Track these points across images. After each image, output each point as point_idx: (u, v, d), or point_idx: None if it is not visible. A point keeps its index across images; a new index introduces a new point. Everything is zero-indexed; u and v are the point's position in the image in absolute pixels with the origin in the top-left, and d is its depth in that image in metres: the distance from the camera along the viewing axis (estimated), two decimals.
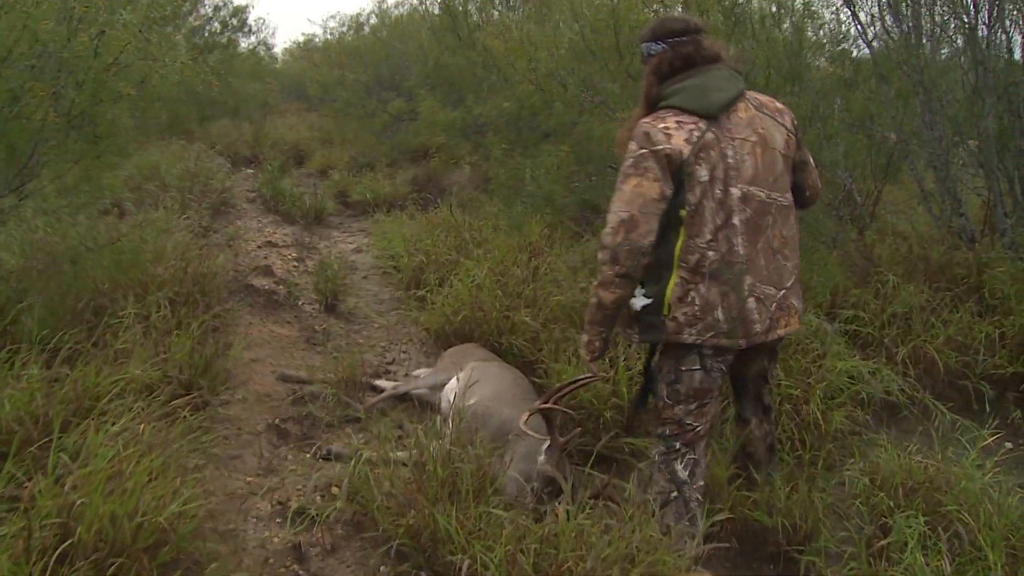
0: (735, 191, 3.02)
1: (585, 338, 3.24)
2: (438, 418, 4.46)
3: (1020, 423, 4.76)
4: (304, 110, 18.92)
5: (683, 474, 3.27)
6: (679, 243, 3.00)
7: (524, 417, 3.74)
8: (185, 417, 3.71)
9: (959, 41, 5.79)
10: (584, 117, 6.06)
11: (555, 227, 6.94)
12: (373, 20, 16.85)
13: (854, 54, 6.75)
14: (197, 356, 4.18)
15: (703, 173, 2.98)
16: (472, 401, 4.43)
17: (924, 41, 5.88)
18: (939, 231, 6.37)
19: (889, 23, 5.90)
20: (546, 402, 3.78)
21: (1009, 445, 4.71)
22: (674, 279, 3.02)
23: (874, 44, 6.16)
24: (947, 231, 6.21)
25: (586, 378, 3.72)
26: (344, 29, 18.57)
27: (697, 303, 3.02)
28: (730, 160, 3.02)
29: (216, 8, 12.92)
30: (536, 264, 5.94)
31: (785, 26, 6.50)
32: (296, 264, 7.70)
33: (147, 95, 4.15)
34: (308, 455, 4.20)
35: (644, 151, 2.94)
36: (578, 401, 4.31)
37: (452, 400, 4.62)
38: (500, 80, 9.78)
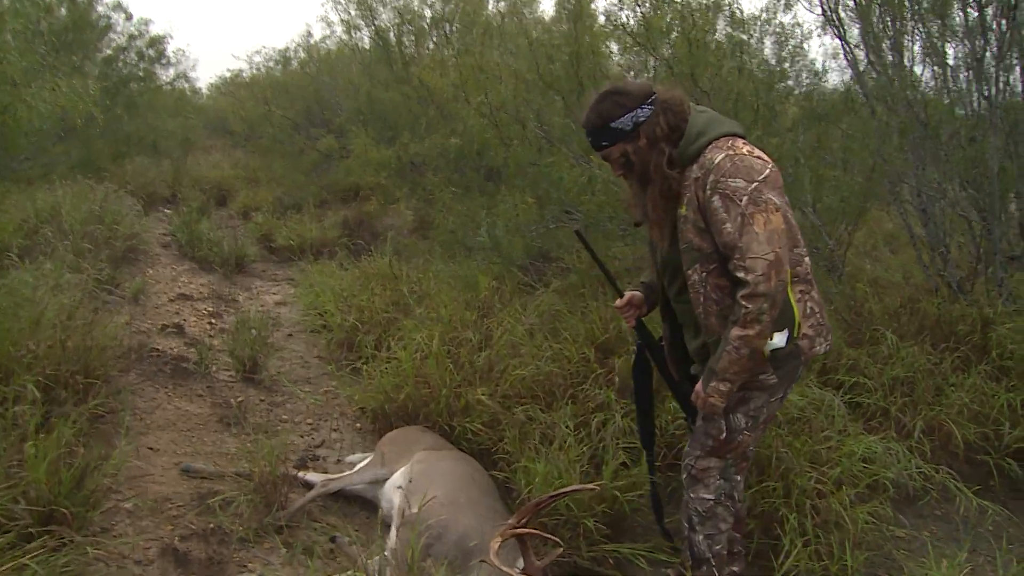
0: None
1: (725, 387, 2.91)
2: (386, 538, 3.56)
3: None
4: (229, 147, 17.85)
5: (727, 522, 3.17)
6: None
7: (494, 545, 2.85)
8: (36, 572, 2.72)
9: (963, 75, 5.13)
10: (544, 157, 5.23)
11: (503, 279, 6.09)
12: (301, 54, 15.89)
13: (831, 86, 6.11)
14: (64, 469, 3.15)
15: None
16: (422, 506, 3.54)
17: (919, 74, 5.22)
18: (927, 280, 5.70)
19: (887, 53, 5.21)
20: (522, 521, 2.90)
21: None
22: (793, 296, 2.86)
23: (869, 77, 5.45)
24: (938, 280, 5.52)
25: (572, 488, 2.91)
26: (271, 64, 17.60)
27: (817, 311, 2.98)
28: None
29: (131, 37, 11.81)
30: (488, 325, 5.06)
31: (756, 60, 5.81)
32: (212, 321, 6.70)
33: (9, 128, 3.17)
34: None
35: (756, 184, 2.73)
36: (553, 507, 3.45)
37: (396, 502, 3.73)
38: (438, 116, 8.97)
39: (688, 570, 3.15)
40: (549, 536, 2.97)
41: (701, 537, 3.13)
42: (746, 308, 2.71)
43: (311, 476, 4.13)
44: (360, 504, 4.05)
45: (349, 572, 3.39)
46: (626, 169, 2.98)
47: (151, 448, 4.29)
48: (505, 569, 2.78)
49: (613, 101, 2.87)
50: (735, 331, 2.76)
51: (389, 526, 3.80)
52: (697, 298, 2.91)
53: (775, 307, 2.72)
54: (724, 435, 3.02)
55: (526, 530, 2.86)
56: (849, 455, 3.91)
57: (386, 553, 3.49)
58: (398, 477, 3.87)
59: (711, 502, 3.10)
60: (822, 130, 5.79)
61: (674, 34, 5.32)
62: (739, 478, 3.17)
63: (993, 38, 4.85)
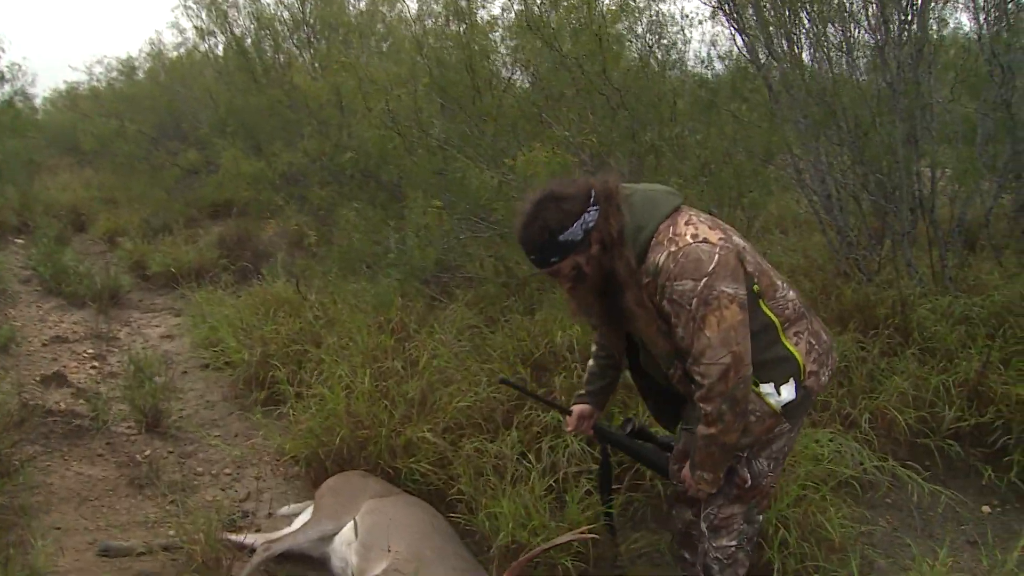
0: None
1: (710, 476, 2.78)
2: None
3: (995, 482, 4.06)
4: (76, 165, 16.67)
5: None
6: (768, 312, 2.69)
7: None
8: None
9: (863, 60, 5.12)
10: (451, 164, 4.93)
11: (412, 297, 5.75)
12: (147, 64, 14.97)
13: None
14: None
15: (738, 238, 2.70)
16: (383, 566, 3.23)
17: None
18: (837, 264, 5.71)
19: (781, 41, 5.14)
20: None
21: (987, 509, 4.10)
22: (789, 342, 2.71)
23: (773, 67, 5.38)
24: (848, 264, 5.54)
25: (567, 538, 2.68)
26: (113, 75, 16.53)
27: (815, 343, 2.78)
28: None
29: None
30: (409, 351, 4.74)
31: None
32: (96, 365, 6.12)
33: None
34: None
35: (704, 280, 2.51)
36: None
37: (353, 561, 3.40)
38: (313, 123, 8.50)
39: None
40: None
41: None
42: (705, 410, 2.59)
43: (249, 538, 3.73)
44: (307, 564, 3.69)
45: None
46: (577, 281, 2.70)
47: (57, 528, 3.81)
48: None
49: (556, 209, 2.56)
50: (701, 428, 2.65)
51: None
52: (687, 390, 2.74)
53: (737, 404, 2.58)
54: (749, 482, 2.84)
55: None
56: (807, 455, 3.82)
57: None
58: (348, 532, 3.54)
59: (733, 548, 2.94)
60: (714, 117, 5.74)
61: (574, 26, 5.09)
62: (760, 518, 3.01)
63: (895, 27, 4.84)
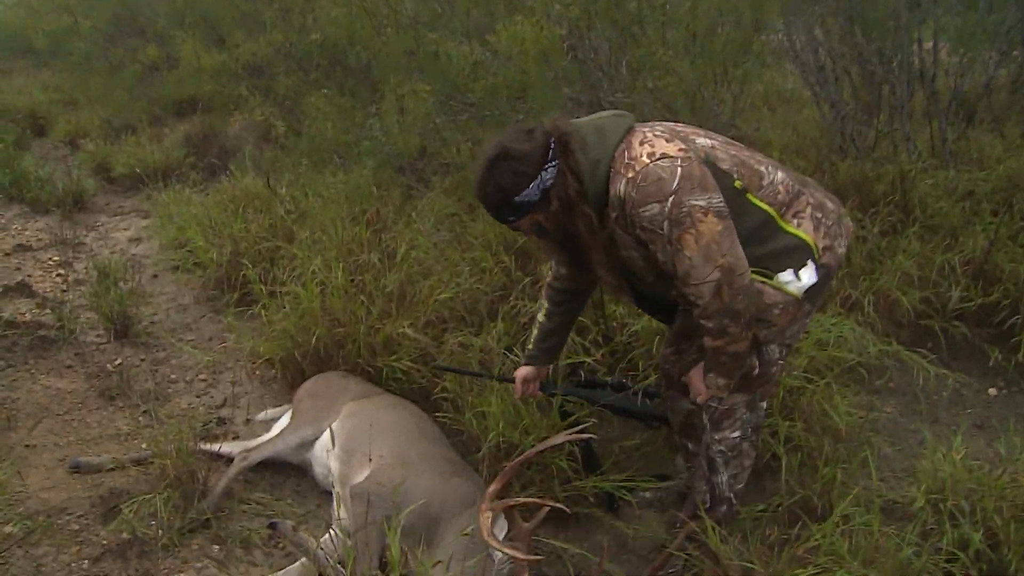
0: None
1: (723, 382, 2.57)
2: (328, 509, 3.04)
3: (1002, 363, 3.88)
4: (32, 68, 15.87)
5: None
6: (759, 203, 2.48)
7: (487, 522, 2.36)
8: None
9: None
10: (423, 42, 4.55)
11: (387, 186, 5.43)
12: None
13: None
14: None
15: (703, 139, 2.53)
16: (366, 472, 3.03)
17: None
18: (827, 139, 5.41)
19: None
20: (507, 483, 2.44)
21: (993, 391, 3.96)
22: (791, 226, 2.50)
23: None
24: (843, 138, 5.23)
25: (563, 438, 2.50)
26: None
27: (820, 216, 2.56)
28: None
29: None
30: (387, 242, 4.45)
31: None
32: (61, 273, 5.80)
33: None
34: None
35: (671, 199, 2.32)
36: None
37: (334, 468, 3.20)
38: (276, 11, 7.98)
39: (703, 511, 2.78)
40: (551, 503, 2.49)
41: (725, 477, 2.80)
42: (707, 326, 2.44)
43: (225, 447, 3.52)
44: (288, 471, 3.50)
45: (301, 562, 2.87)
46: (539, 234, 2.61)
47: (26, 445, 3.58)
48: (509, 551, 2.31)
49: (510, 170, 2.42)
50: (707, 341, 2.49)
51: (329, 493, 3.28)
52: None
53: (739, 316, 2.39)
54: (757, 369, 2.65)
55: (527, 500, 2.40)
56: (809, 341, 3.61)
57: (333, 529, 2.99)
58: (328, 437, 3.32)
59: (737, 439, 2.76)
60: None
61: None
62: (764, 405, 2.82)
63: None
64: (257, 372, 4.30)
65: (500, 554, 2.64)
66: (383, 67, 5.04)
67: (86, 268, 5.67)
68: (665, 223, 2.34)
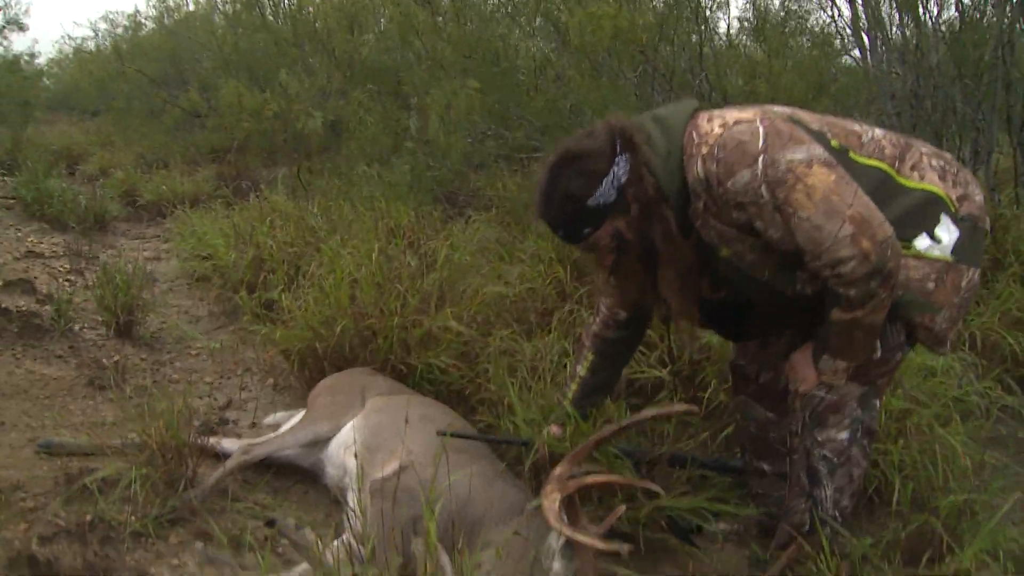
0: None
1: (846, 364, 2.07)
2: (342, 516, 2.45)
3: None
4: (76, 119, 15.78)
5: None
6: (867, 161, 2.04)
7: (553, 505, 1.77)
8: None
9: None
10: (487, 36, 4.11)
11: (424, 214, 4.94)
12: (152, 12, 14.10)
13: None
14: None
15: (781, 108, 2.11)
16: (393, 467, 2.44)
17: None
18: None
19: None
20: (578, 467, 1.84)
21: None
22: (912, 180, 2.04)
23: None
24: None
25: (659, 412, 1.93)
26: (119, 31, 15.60)
27: (944, 164, 2.10)
28: None
29: None
30: (426, 250, 3.92)
31: None
32: (71, 279, 5.31)
33: None
34: None
35: (761, 159, 1.90)
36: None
37: (350, 467, 2.62)
38: (324, 56, 7.68)
39: (800, 536, 2.17)
40: (642, 482, 1.89)
41: (830, 491, 2.20)
42: (848, 295, 1.92)
43: (225, 443, 2.94)
44: (295, 476, 2.89)
45: (303, 567, 2.26)
46: (621, 253, 2.15)
47: None
48: (584, 538, 1.70)
49: (578, 171, 2.04)
50: (838, 313, 1.98)
51: (341, 501, 2.68)
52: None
53: (891, 276, 1.90)
54: (879, 352, 2.10)
55: (607, 477, 1.80)
56: (910, 367, 3.03)
57: (346, 537, 2.37)
58: (347, 434, 2.75)
59: (846, 442, 2.17)
60: None
61: None
62: (878, 403, 2.20)
63: None
64: (269, 377, 3.74)
65: (557, 566, 2.04)
66: (433, 74, 4.58)
67: (96, 278, 5.18)
68: (763, 188, 1.89)
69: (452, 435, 2.52)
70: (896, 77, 4.98)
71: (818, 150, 1.92)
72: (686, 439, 2.83)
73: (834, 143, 2.02)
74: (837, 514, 2.21)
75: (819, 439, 2.17)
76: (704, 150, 1.96)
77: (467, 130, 4.33)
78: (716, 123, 1.99)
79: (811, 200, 1.85)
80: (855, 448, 2.17)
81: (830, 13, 5.89)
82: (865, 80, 5.17)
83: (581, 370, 2.54)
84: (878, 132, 2.13)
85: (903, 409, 2.78)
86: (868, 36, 5.13)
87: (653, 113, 2.13)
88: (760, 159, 1.89)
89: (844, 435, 2.16)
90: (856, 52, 5.46)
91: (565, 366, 3.00)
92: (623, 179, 2.02)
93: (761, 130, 1.92)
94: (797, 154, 1.89)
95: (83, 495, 2.46)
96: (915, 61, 4.65)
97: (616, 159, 2.01)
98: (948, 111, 4.82)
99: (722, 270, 2.14)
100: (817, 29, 6.13)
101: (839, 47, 5.52)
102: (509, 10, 4.39)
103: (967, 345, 3.45)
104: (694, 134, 2.01)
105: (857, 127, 2.14)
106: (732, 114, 2.01)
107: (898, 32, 4.92)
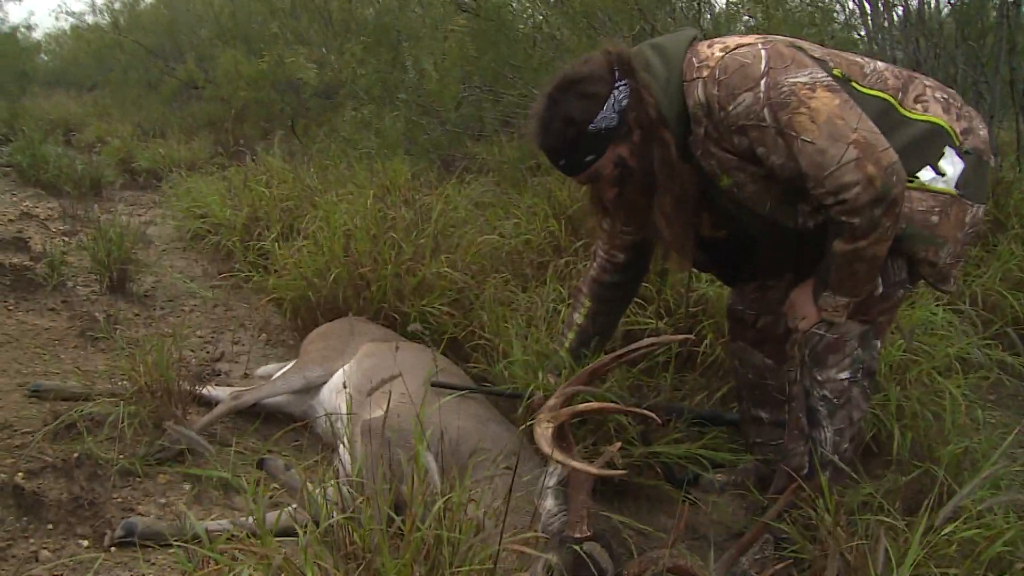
0: None
1: (847, 300, 2.01)
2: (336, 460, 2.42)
3: None
4: (74, 96, 15.65)
5: None
6: (869, 91, 1.98)
7: (546, 431, 1.72)
8: None
9: None
10: None
11: (420, 174, 4.88)
12: None
13: None
14: None
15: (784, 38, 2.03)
16: (384, 408, 2.39)
17: None
18: None
19: None
20: (570, 398, 1.80)
21: None
22: (916, 112, 1.99)
23: None
24: None
25: (653, 341, 1.88)
26: (116, 5, 15.45)
27: (947, 97, 2.06)
28: None
29: None
30: (421, 205, 3.86)
31: None
32: (66, 240, 5.25)
33: None
34: (84, 548, 2.00)
35: (764, 81, 1.85)
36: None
37: (343, 411, 2.56)
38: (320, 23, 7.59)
39: (798, 479, 2.11)
40: (635, 409, 1.84)
41: (830, 433, 2.12)
42: (852, 223, 1.86)
43: (215, 391, 2.90)
44: (286, 423, 2.84)
45: (292, 508, 2.21)
46: (624, 183, 2.07)
47: None
48: (577, 464, 1.66)
49: (578, 95, 1.98)
50: (840, 244, 1.92)
51: (333, 446, 2.64)
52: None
53: (895, 204, 1.84)
54: (880, 288, 2.04)
55: (600, 405, 1.76)
56: (912, 319, 2.99)
57: (339, 481, 2.33)
58: (339, 379, 2.70)
59: (846, 382, 2.09)
60: None
61: None
62: (879, 343, 2.14)
63: None
64: (262, 332, 3.69)
65: (549, 503, 2.00)
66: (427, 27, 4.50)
67: (91, 238, 5.13)
68: (765, 111, 1.84)
69: (444, 386, 2.47)
70: (899, 42, 4.92)
71: (821, 74, 1.88)
72: (680, 399, 2.80)
73: (836, 71, 1.97)
74: (838, 455, 2.16)
75: (819, 379, 2.11)
76: (705, 73, 1.91)
77: (459, 78, 4.24)
78: (717, 48, 1.95)
79: (815, 123, 1.81)
80: (855, 389, 2.12)
81: None
82: (867, 47, 5.09)
83: (578, 318, 2.49)
84: (880, 64, 2.09)
85: (903, 359, 2.72)
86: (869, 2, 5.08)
87: (651, 42, 2.08)
88: (763, 82, 1.85)
89: (844, 375, 2.10)
90: (857, 19, 5.37)
91: (559, 313, 2.95)
92: (624, 103, 1.97)
93: (764, 53, 1.88)
94: (800, 77, 1.85)
95: (71, 434, 2.42)
96: (917, 24, 4.57)
97: (616, 84, 1.96)
98: (949, 78, 4.77)
99: (723, 203, 2.09)
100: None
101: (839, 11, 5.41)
102: None
103: (968, 302, 3.39)
104: (694, 59, 1.97)
105: (860, 59, 2.09)
106: (733, 40, 1.97)
107: None
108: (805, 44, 2.04)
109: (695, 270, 2.65)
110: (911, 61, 4.78)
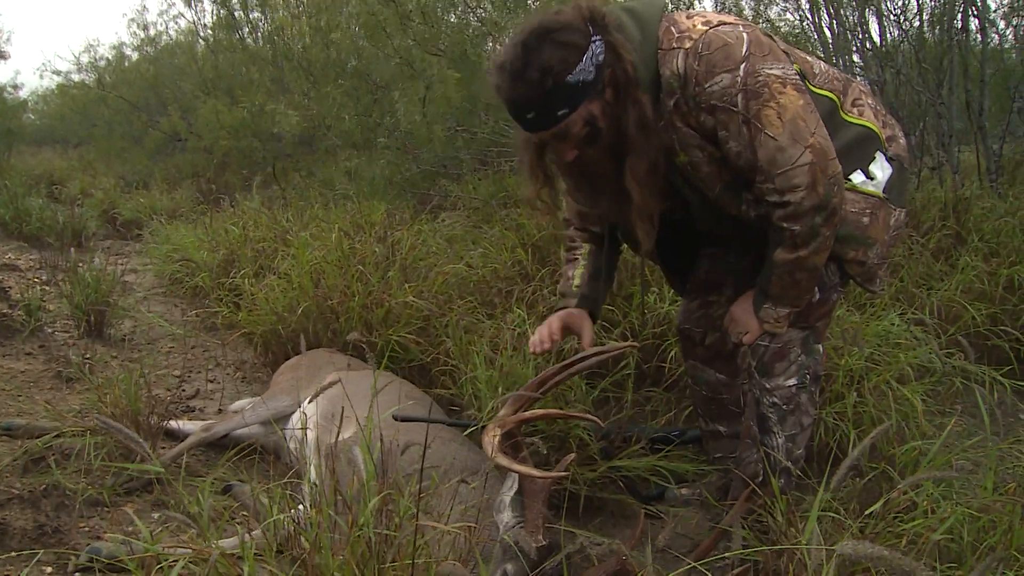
0: None
1: (787, 311, 2.06)
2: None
3: None
4: (60, 153, 15.79)
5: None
6: (820, 90, 2.03)
7: (493, 439, 1.77)
8: None
9: None
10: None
11: (395, 212, 4.96)
12: (136, 41, 14.15)
13: None
14: None
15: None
16: (350, 432, 2.45)
17: None
18: None
19: None
20: (522, 408, 1.85)
21: None
22: (852, 116, 2.05)
23: None
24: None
25: (604, 350, 1.93)
26: (102, 64, 15.67)
27: (876, 105, 2.13)
28: None
29: None
30: (394, 239, 3.93)
31: None
32: (46, 288, 5.29)
33: None
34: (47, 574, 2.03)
35: (743, 66, 1.84)
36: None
37: (310, 437, 2.62)
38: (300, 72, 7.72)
39: (755, 485, 2.14)
40: (581, 415, 1.89)
41: (781, 440, 2.15)
42: (792, 230, 1.89)
43: (187, 425, 2.94)
44: (257, 455, 2.88)
45: (255, 533, 2.25)
46: (589, 144, 1.95)
47: None
48: (520, 468, 1.71)
49: (556, 43, 1.83)
50: (782, 254, 1.95)
51: (301, 474, 2.67)
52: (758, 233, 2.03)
53: (834, 214, 1.89)
54: (817, 295, 2.09)
55: (552, 412, 1.81)
56: (868, 331, 3.05)
57: (301, 507, 2.36)
58: (308, 407, 2.75)
59: (794, 388, 2.14)
60: None
61: None
62: (820, 348, 2.19)
63: None
64: (238, 371, 3.73)
65: (506, 516, 2.04)
66: (402, 71, 4.60)
67: (68, 283, 5.18)
68: (739, 96, 1.84)
69: (408, 419, 2.49)
70: (860, 68, 5.05)
71: (790, 71, 1.90)
72: (648, 420, 2.85)
73: (796, 67, 1.99)
74: (791, 462, 2.20)
75: (767, 387, 2.15)
76: (687, 44, 1.88)
77: (443, 121, 4.32)
78: (698, 20, 1.92)
79: (780, 120, 1.83)
80: (804, 395, 2.16)
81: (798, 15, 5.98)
82: None
83: (582, 257, 2.40)
84: (823, 65, 2.14)
85: (862, 368, 2.78)
86: (831, 32, 5.23)
87: (622, 4, 2.01)
88: (743, 66, 1.85)
89: (792, 381, 2.14)
90: (819, 49, 5.51)
91: (526, 336, 2.98)
92: (600, 58, 1.86)
93: (745, 36, 1.88)
94: (775, 69, 1.86)
95: (39, 467, 2.45)
96: (876, 49, 4.71)
97: (592, 37, 1.86)
98: (912, 102, 4.90)
99: (675, 180, 2.08)
100: (786, 29, 6.19)
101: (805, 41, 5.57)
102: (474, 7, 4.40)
103: (929, 313, 3.46)
104: (672, 28, 1.92)
105: (809, 58, 2.13)
106: (713, 15, 1.95)
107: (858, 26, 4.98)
108: (775, 37, 2.09)
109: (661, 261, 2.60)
110: (873, 86, 4.91)
